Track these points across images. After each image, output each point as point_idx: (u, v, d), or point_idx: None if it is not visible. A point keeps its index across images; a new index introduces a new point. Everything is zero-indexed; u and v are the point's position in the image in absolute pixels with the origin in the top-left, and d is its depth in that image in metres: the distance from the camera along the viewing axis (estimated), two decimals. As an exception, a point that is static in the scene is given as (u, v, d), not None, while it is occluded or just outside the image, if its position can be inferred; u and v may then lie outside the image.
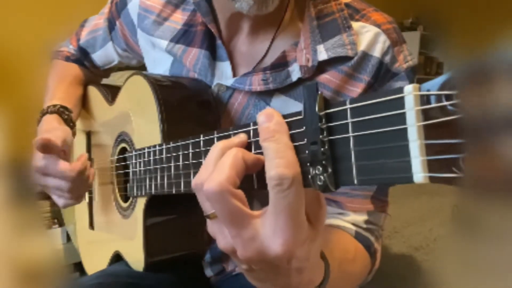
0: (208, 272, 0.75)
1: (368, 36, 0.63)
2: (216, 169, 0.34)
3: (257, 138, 0.37)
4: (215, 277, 0.76)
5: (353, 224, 0.63)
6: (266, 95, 0.66)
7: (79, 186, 0.71)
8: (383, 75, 0.63)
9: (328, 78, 0.63)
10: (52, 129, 0.74)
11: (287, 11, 0.67)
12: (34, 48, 1.01)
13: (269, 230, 0.33)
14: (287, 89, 0.65)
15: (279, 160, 0.32)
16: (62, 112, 0.79)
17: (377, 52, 0.63)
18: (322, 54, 0.62)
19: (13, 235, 0.72)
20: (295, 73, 0.63)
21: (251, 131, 0.38)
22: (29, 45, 1.29)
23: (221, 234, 0.37)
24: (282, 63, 0.64)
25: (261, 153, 0.36)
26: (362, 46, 0.63)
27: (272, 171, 0.32)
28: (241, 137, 0.38)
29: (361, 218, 0.64)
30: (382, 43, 0.63)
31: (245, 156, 0.35)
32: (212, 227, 0.38)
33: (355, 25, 0.64)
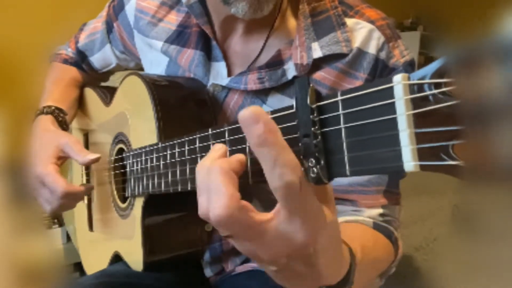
0: (208, 272, 0.75)
1: (363, 32, 0.63)
2: (213, 193, 0.32)
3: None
4: (215, 277, 0.76)
5: (370, 218, 0.63)
6: (262, 94, 0.66)
7: (67, 205, 0.73)
8: (381, 71, 0.63)
9: (323, 75, 0.64)
10: (50, 131, 0.75)
11: (281, 10, 0.67)
12: (34, 50, 1.02)
13: (287, 226, 0.32)
14: (283, 87, 0.65)
15: (280, 169, 0.30)
16: (57, 114, 0.80)
17: (372, 49, 0.63)
18: (317, 51, 0.63)
19: (13, 235, 0.72)
20: (291, 71, 0.63)
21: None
22: (29, 47, 1.30)
23: (248, 249, 0.34)
24: (277, 62, 0.65)
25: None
26: (356, 43, 0.63)
27: (276, 182, 0.30)
28: (220, 148, 0.36)
29: (376, 212, 0.63)
30: (377, 39, 0.63)
31: (231, 165, 0.34)
32: (239, 247, 0.35)
33: (349, 21, 0.64)
